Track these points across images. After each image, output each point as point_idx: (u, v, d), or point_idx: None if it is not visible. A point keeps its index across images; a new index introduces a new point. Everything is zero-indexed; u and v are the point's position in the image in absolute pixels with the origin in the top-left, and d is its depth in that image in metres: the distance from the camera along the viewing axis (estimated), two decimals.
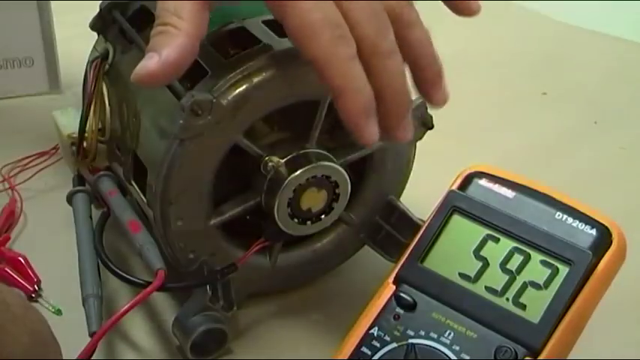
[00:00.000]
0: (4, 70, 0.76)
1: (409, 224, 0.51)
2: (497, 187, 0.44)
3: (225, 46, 0.49)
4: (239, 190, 0.49)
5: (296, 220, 0.49)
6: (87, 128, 0.55)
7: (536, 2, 1.03)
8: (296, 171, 0.47)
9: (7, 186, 0.63)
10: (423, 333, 0.41)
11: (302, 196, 0.48)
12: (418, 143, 0.53)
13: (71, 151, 0.58)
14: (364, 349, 0.41)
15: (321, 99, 0.47)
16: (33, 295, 0.53)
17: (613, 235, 0.41)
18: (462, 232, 0.43)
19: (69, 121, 0.60)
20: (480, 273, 0.42)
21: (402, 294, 0.42)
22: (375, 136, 0.41)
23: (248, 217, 0.50)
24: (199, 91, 0.44)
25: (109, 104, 0.55)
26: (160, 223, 0.47)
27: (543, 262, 0.41)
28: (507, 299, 0.41)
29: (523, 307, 0.40)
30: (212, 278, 0.48)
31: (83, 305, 0.48)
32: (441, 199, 0.44)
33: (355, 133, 0.41)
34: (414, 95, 0.48)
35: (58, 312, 0.52)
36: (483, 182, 0.44)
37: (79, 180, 0.58)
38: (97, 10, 0.56)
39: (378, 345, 0.41)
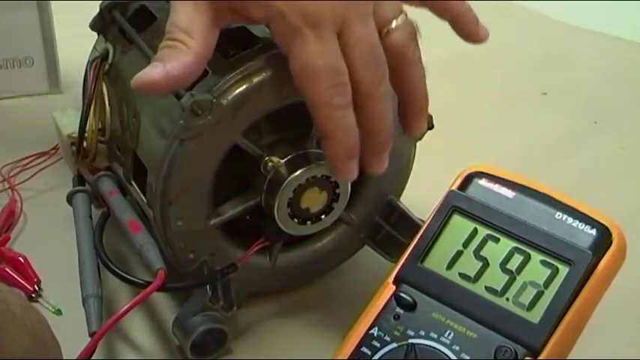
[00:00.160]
0: (4, 70, 0.76)
1: (409, 224, 0.51)
2: (497, 187, 0.44)
3: (225, 46, 0.49)
4: (239, 190, 0.49)
5: (296, 220, 0.49)
6: (87, 128, 0.55)
7: (536, 2, 1.03)
8: (296, 171, 0.47)
9: (7, 186, 0.63)
10: (423, 333, 0.41)
11: (302, 196, 0.48)
12: (418, 143, 0.53)
13: (71, 151, 0.58)
14: (364, 349, 0.41)
15: None
16: (33, 295, 0.53)
17: (613, 235, 0.41)
18: (462, 232, 0.43)
19: (69, 121, 0.60)
20: (480, 273, 0.42)
21: (402, 294, 0.42)
22: (352, 175, 0.45)
23: (248, 217, 0.50)
24: (199, 91, 0.44)
25: (109, 104, 0.55)
26: (160, 223, 0.47)
27: (543, 262, 0.41)
28: (507, 299, 0.41)
29: (523, 307, 0.40)
30: (212, 278, 0.48)
31: (83, 305, 0.48)
32: (441, 199, 0.44)
33: (335, 172, 0.46)
34: None
35: (58, 312, 0.52)
36: (483, 182, 0.44)
37: (79, 180, 0.58)
38: (97, 10, 0.56)
39: (378, 345, 0.41)
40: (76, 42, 0.61)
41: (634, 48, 0.92)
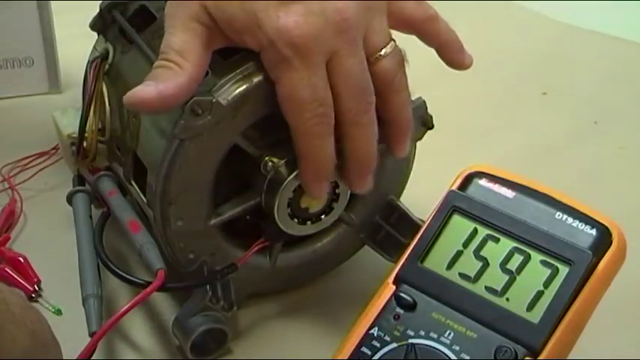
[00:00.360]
0: (4, 70, 0.76)
1: (409, 224, 0.51)
2: (497, 187, 0.44)
3: (224, 47, 0.49)
4: (239, 190, 0.49)
5: (296, 220, 0.49)
6: (87, 128, 0.55)
7: (536, 2, 1.03)
8: (296, 171, 0.47)
9: (7, 186, 0.63)
10: (423, 333, 0.41)
11: (302, 196, 0.48)
12: (418, 143, 0.53)
13: (71, 151, 0.58)
14: (364, 349, 0.41)
15: None
16: (33, 295, 0.53)
17: (613, 235, 0.41)
18: (462, 232, 0.43)
19: (69, 121, 0.60)
20: (480, 273, 0.42)
21: (402, 294, 0.42)
22: (321, 194, 0.48)
23: (248, 217, 0.50)
24: (199, 91, 0.44)
25: (109, 104, 0.55)
26: (160, 223, 0.47)
27: (543, 262, 0.41)
28: (507, 299, 0.41)
29: (523, 307, 0.40)
30: (212, 278, 0.48)
31: (83, 305, 0.48)
32: (441, 199, 0.44)
33: (305, 189, 0.47)
34: (413, 96, 0.48)
35: (58, 312, 0.52)
36: (483, 182, 0.44)
37: (79, 180, 0.58)
38: (97, 10, 0.56)
39: (378, 345, 0.41)
40: (76, 42, 0.61)
41: (634, 48, 0.92)
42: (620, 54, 0.91)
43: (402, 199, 0.54)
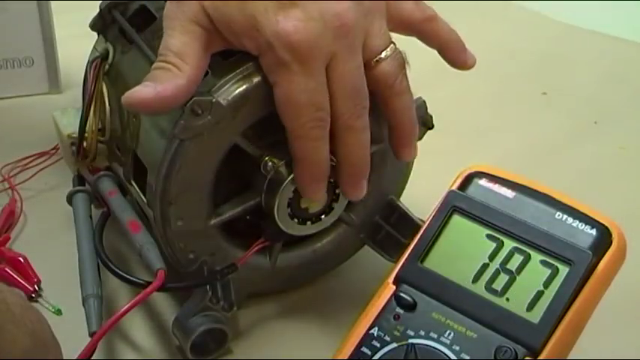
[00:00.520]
0: (4, 70, 0.76)
1: (409, 224, 0.51)
2: (497, 187, 0.44)
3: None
4: (239, 190, 0.49)
5: (296, 220, 0.49)
6: (87, 128, 0.55)
7: (536, 2, 1.03)
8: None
9: (7, 186, 0.63)
10: (423, 333, 0.41)
11: (302, 196, 0.48)
12: (418, 143, 0.52)
13: (71, 151, 0.58)
14: (364, 349, 0.41)
15: None
16: (33, 295, 0.53)
17: (613, 235, 0.41)
18: (462, 232, 0.43)
19: (69, 121, 0.60)
20: (479, 273, 0.42)
21: (402, 294, 0.42)
22: (317, 196, 0.47)
23: (248, 217, 0.50)
24: (199, 91, 0.44)
25: (109, 104, 0.55)
26: (160, 223, 0.47)
27: (543, 262, 0.41)
28: (507, 299, 0.41)
29: (523, 307, 0.40)
30: (212, 278, 0.48)
31: (83, 305, 0.48)
32: (441, 199, 0.44)
33: (301, 191, 0.47)
34: (415, 95, 0.48)
35: (58, 312, 0.52)
36: (483, 182, 0.44)
37: (79, 180, 0.58)
38: (97, 10, 0.56)
39: (378, 345, 0.41)
40: (76, 42, 0.61)
41: (634, 48, 0.92)
42: (620, 54, 0.91)
43: (402, 199, 0.54)
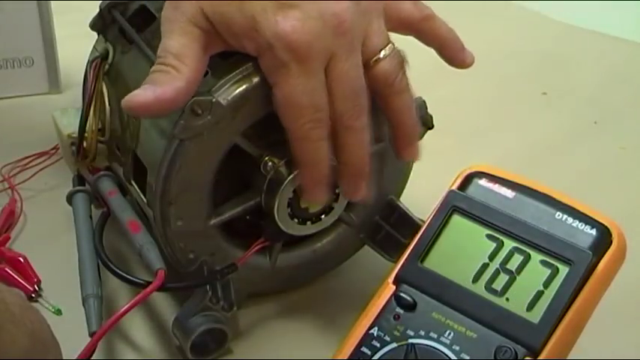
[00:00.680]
0: (4, 70, 0.76)
1: (409, 224, 0.51)
2: (497, 187, 0.44)
3: None
4: (239, 190, 0.49)
5: (296, 220, 0.49)
6: (87, 128, 0.55)
7: (536, 2, 1.03)
8: (296, 171, 0.47)
9: (7, 186, 0.63)
10: (423, 333, 0.41)
11: (305, 199, 0.48)
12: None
13: (71, 151, 0.58)
14: (364, 349, 0.41)
15: None
16: (33, 295, 0.53)
17: (613, 235, 0.41)
18: (462, 232, 0.43)
19: (69, 121, 0.60)
20: (479, 273, 0.42)
21: (402, 294, 0.42)
22: (321, 199, 0.47)
23: (248, 217, 0.50)
24: (199, 91, 0.44)
25: (109, 104, 0.55)
26: (160, 223, 0.47)
27: (543, 262, 0.41)
28: (507, 299, 0.41)
29: (523, 307, 0.40)
30: (212, 278, 0.48)
31: (83, 305, 0.48)
32: (441, 199, 0.44)
33: (306, 196, 0.47)
34: (414, 95, 0.48)
35: (58, 312, 0.52)
36: (483, 182, 0.44)
37: (79, 180, 0.58)
38: (97, 10, 0.56)
39: (378, 345, 0.41)
40: (76, 42, 0.61)
41: (634, 48, 0.92)
42: (620, 54, 0.91)
43: (402, 199, 0.54)
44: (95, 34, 0.57)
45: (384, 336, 0.41)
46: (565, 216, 0.42)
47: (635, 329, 0.53)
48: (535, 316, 0.40)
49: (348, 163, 0.46)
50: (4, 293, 0.38)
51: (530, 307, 0.40)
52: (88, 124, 0.55)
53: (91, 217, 0.55)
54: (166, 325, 0.50)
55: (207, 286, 0.48)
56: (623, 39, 0.94)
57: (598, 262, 0.41)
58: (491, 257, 0.42)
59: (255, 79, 0.45)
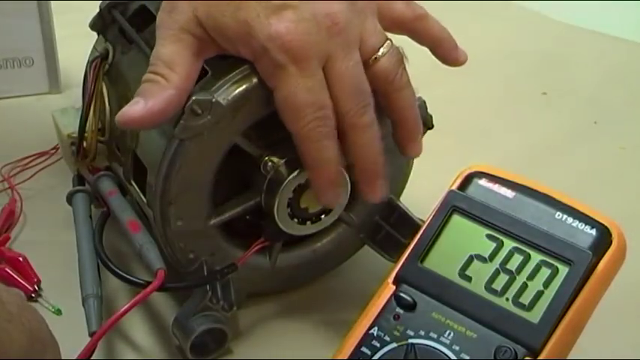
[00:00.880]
0: (4, 70, 0.76)
1: (409, 224, 0.51)
2: (497, 187, 0.44)
3: None
4: (239, 190, 0.49)
5: (296, 220, 0.49)
6: (87, 128, 0.55)
7: (536, 2, 1.03)
8: (296, 171, 0.47)
9: (7, 186, 0.63)
10: (422, 333, 0.41)
11: (302, 196, 0.48)
12: None
13: (71, 151, 0.58)
14: (364, 349, 0.41)
15: None
16: (33, 295, 0.53)
17: (613, 235, 0.41)
18: (462, 232, 0.43)
19: (69, 121, 0.60)
20: (479, 273, 0.42)
21: (402, 294, 0.42)
22: (336, 202, 0.47)
23: (248, 217, 0.50)
24: (199, 91, 0.44)
25: (109, 104, 0.55)
26: (159, 223, 0.47)
27: (543, 262, 0.41)
28: (507, 299, 0.41)
29: (523, 307, 0.40)
30: (212, 278, 0.48)
31: (83, 305, 0.48)
32: (441, 199, 0.44)
33: (319, 198, 0.47)
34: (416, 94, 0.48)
35: (58, 312, 0.52)
36: (483, 182, 0.44)
37: (79, 180, 0.58)
38: (97, 10, 0.56)
39: (378, 345, 0.41)
40: (76, 42, 0.61)
41: (634, 48, 0.92)
42: (620, 54, 0.91)
43: (402, 199, 0.54)
44: (95, 34, 0.57)
45: (384, 336, 0.41)
46: (565, 216, 0.42)
47: (635, 329, 0.53)
48: (535, 316, 0.40)
49: (360, 163, 0.46)
50: (1, 292, 0.38)
51: (530, 307, 0.40)
52: (88, 124, 0.55)
53: (91, 217, 0.55)
54: (166, 325, 0.50)
55: (207, 286, 0.48)
56: (623, 39, 0.94)
57: (598, 262, 0.41)
58: (491, 257, 0.42)
59: (255, 79, 0.45)
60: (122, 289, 0.53)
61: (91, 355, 0.44)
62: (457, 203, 0.43)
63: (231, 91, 0.45)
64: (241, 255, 0.49)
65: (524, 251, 0.41)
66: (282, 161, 0.47)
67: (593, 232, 0.41)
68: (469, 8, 0.98)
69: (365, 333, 0.42)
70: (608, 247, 0.41)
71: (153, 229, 0.49)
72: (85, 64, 0.56)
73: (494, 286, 0.41)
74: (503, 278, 0.41)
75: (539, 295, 0.40)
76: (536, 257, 0.41)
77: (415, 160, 0.53)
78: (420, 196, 0.51)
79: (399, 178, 0.53)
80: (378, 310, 0.42)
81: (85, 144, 0.56)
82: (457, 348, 0.40)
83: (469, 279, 0.42)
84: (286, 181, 0.47)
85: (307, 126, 0.44)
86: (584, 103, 0.81)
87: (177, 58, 0.44)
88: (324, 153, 0.45)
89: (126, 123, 0.43)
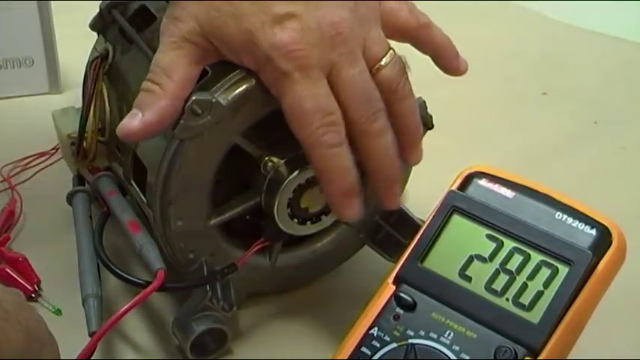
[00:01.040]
0: (4, 70, 0.76)
1: (409, 224, 0.51)
2: (497, 187, 0.44)
3: None
4: (239, 190, 0.49)
5: (296, 220, 0.49)
6: (87, 128, 0.55)
7: (536, 2, 1.03)
8: (296, 171, 0.47)
9: (7, 186, 0.63)
10: (422, 333, 0.41)
11: (302, 196, 0.48)
12: None
13: (71, 151, 0.58)
14: (364, 349, 0.41)
15: None
16: (33, 295, 0.53)
17: (613, 235, 0.41)
18: (462, 232, 0.43)
19: (69, 121, 0.60)
20: (479, 273, 0.42)
21: (402, 294, 0.42)
22: (354, 215, 0.46)
23: (248, 217, 0.50)
24: (199, 91, 0.44)
25: (109, 104, 0.55)
26: (159, 223, 0.47)
27: (543, 262, 0.41)
28: (507, 299, 0.41)
29: (523, 307, 0.40)
30: (212, 278, 0.48)
31: (83, 305, 0.48)
32: (441, 199, 0.44)
33: (334, 211, 0.46)
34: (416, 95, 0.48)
35: (58, 312, 0.52)
36: (483, 182, 0.44)
37: (79, 180, 0.58)
38: (97, 10, 0.56)
39: (378, 345, 0.41)
40: (76, 42, 0.61)
41: (634, 48, 0.92)
42: (620, 54, 0.91)
43: None
44: (95, 34, 0.57)
45: (384, 336, 0.41)
46: (565, 216, 0.42)
47: (635, 329, 0.53)
48: (535, 317, 0.40)
49: (377, 171, 0.46)
50: None
51: (530, 307, 0.40)
52: (88, 124, 0.55)
53: (91, 217, 0.55)
54: (166, 325, 0.50)
55: (207, 286, 0.48)
56: (623, 39, 0.94)
57: (598, 262, 0.41)
58: (491, 257, 0.42)
59: (255, 79, 0.45)
60: (122, 289, 0.53)
61: (91, 355, 0.44)
62: (457, 203, 0.43)
63: (231, 91, 0.45)
64: (241, 255, 0.49)
65: (524, 251, 0.41)
66: (282, 161, 0.47)
67: (593, 232, 0.41)
68: (469, 8, 0.98)
69: (365, 333, 0.42)
70: (608, 248, 0.41)
71: (153, 229, 0.49)
72: (85, 64, 0.56)
73: (494, 286, 0.41)
74: (503, 278, 0.41)
75: (539, 295, 0.40)
76: (536, 257, 0.41)
77: None
78: (420, 196, 0.51)
79: None
80: (378, 310, 0.42)
81: (85, 144, 0.56)
82: (457, 348, 0.40)
83: (469, 279, 0.42)
84: (286, 181, 0.47)
85: (315, 132, 0.43)
86: (584, 103, 0.81)
87: (176, 65, 0.44)
88: (335, 160, 0.44)
89: (126, 136, 0.44)
